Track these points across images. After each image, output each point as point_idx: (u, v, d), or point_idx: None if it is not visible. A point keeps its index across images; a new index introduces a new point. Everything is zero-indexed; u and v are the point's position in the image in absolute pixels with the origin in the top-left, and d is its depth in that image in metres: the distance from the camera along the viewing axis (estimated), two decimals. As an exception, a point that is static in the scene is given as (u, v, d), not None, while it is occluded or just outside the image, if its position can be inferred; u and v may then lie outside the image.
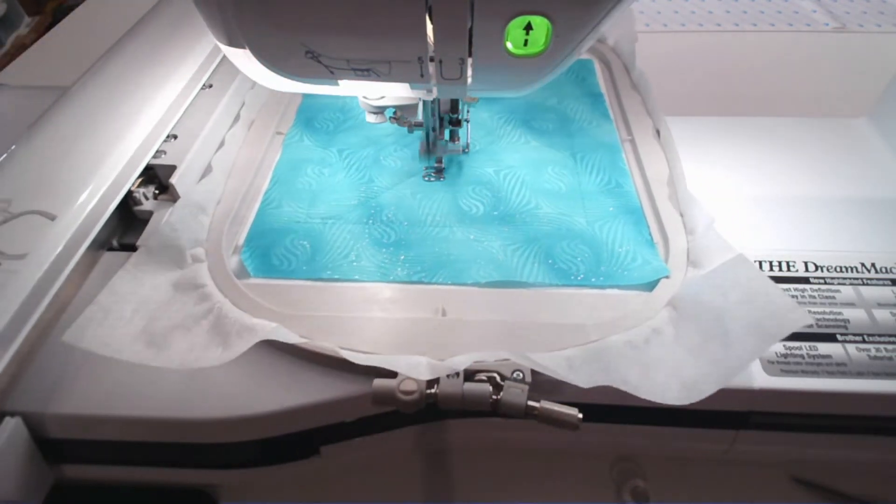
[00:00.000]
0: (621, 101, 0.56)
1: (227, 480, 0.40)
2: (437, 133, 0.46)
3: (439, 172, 0.49)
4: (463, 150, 0.49)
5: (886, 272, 0.41)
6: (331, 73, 0.32)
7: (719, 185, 0.48)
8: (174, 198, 0.45)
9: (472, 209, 0.46)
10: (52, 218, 0.38)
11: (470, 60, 0.31)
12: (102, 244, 0.44)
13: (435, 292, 0.40)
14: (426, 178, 0.49)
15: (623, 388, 0.33)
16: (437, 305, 0.39)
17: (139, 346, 0.36)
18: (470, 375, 0.34)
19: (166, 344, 0.36)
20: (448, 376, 0.33)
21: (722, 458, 0.40)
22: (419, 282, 0.41)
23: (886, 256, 0.42)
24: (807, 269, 0.41)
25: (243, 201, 0.47)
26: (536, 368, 0.33)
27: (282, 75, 0.32)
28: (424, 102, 0.43)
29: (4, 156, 0.42)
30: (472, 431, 0.40)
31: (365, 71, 0.31)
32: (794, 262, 0.41)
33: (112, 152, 0.42)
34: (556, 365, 0.33)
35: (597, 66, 0.62)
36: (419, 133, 0.48)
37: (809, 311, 0.38)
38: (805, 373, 0.35)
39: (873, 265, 0.41)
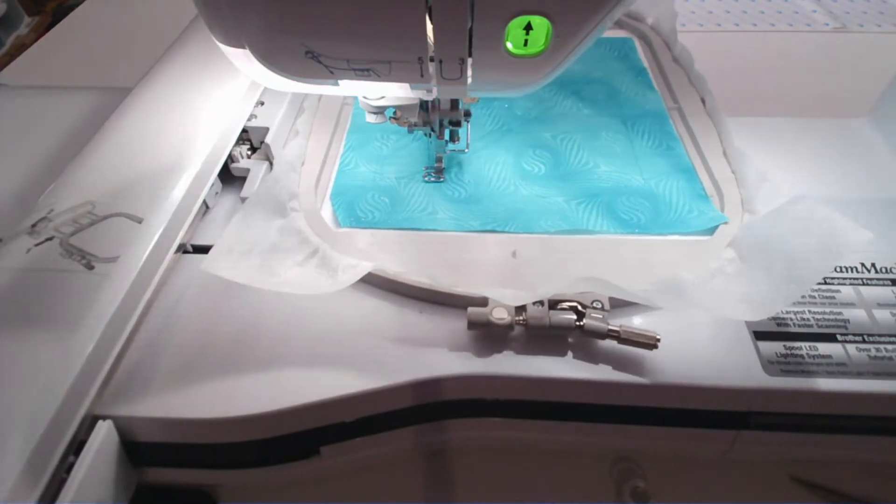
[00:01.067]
0: (665, 74, 0.59)
1: (227, 480, 0.40)
2: (438, 133, 0.46)
3: (439, 172, 0.49)
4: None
5: (886, 272, 0.41)
6: (331, 73, 0.32)
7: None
8: (266, 156, 0.50)
9: (534, 169, 0.49)
10: (139, 221, 0.39)
11: (470, 60, 0.31)
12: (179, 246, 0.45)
13: (508, 239, 0.43)
14: (426, 179, 0.49)
15: (700, 308, 0.35)
16: (511, 249, 0.42)
17: (264, 276, 0.39)
18: (553, 305, 0.37)
19: (283, 276, 0.39)
20: (534, 304, 0.36)
21: (722, 458, 0.40)
22: (493, 230, 0.44)
23: (886, 256, 0.42)
24: (807, 269, 0.41)
25: (324, 163, 0.50)
26: (616, 294, 0.36)
27: (281, 75, 0.32)
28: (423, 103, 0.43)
29: (79, 157, 0.44)
30: (472, 431, 0.40)
31: (365, 71, 0.31)
32: (795, 262, 0.41)
33: (215, 117, 0.46)
34: (631, 294, 0.35)
35: (637, 44, 0.64)
36: (478, 106, 0.52)
37: (809, 311, 0.39)
38: (805, 373, 0.35)
39: (873, 265, 0.41)
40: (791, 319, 0.38)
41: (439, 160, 0.49)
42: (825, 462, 0.40)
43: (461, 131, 0.47)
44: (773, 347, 0.37)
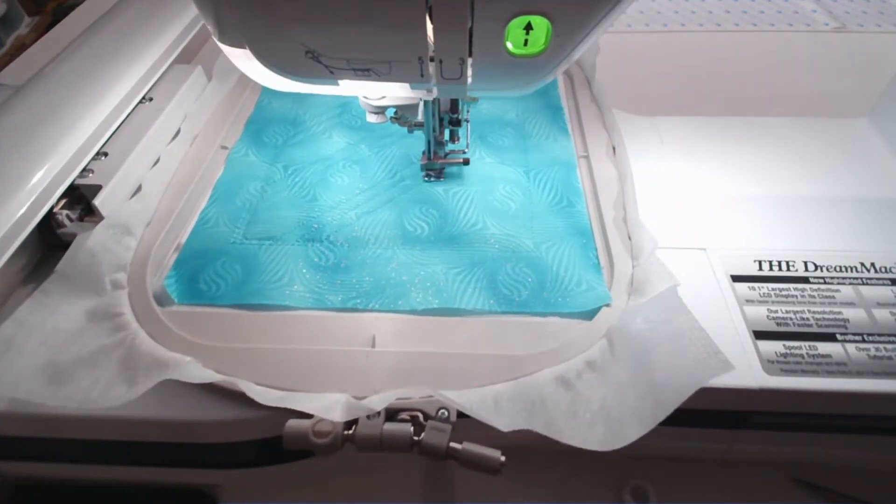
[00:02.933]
0: (580, 114, 0.55)
1: (227, 480, 0.40)
2: (438, 133, 0.46)
3: (439, 173, 0.49)
4: (464, 162, 0.48)
5: (886, 272, 0.41)
6: (331, 73, 0.32)
7: (719, 185, 0.48)
8: (100, 219, 0.42)
9: (416, 230, 0.45)
10: None
11: (470, 60, 0.31)
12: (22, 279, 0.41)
13: (368, 320, 0.38)
14: (426, 179, 0.49)
15: (544, 432, 0.32)
16: (368, 335, 0.38)
17: (39, 382, 0.33)
18: (393, 414, 0.32)
19: (69, 379, 0.34)
20: (369, 416, 0.32)
21: (722, 458, 0.40)
22: (353, 308, 0.39)
23: (886, 256, 0.42)
24: (806, 269, 0.41)
25: (176, 221, 0.44)
26: (458, 408, 0.32)
27: (282, 75, 0.32)
28: (425, 108, 0.43)
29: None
30: (472, 431, 0.40)
31: (365, 71, 0.31)
32: (794, 261, 0.41)
33: (32, 174, 0.39)
34: (480, 404, 0.32)
35: (560, 78, 0.60)
36: (374, 149, 0.48)
37: (809, 311, 0.39)
38: (805, 372, 0.35)
39: (873, 265, 0.41)
40: (791, 319, 0.38)
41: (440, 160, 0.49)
42: (825, 462, 0.40)
43: (461, 131, 0.47)
44: (773, 347, 0.37)
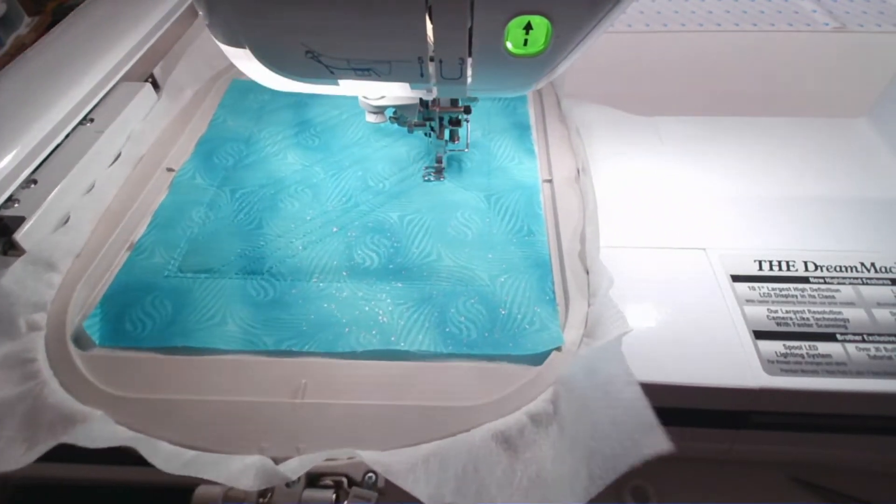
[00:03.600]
0: (547, 135, 0.53)
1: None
2: (438, 133, 0.46)
3: (439, 172, 0.49)
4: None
5: (886, 272, 0.41)
6: (331, 73, 0.32)
7: (719, 185, 0.48)
8: (21, 254, 0.40)
9: (365, 261, 0.42)
10: None
11: (470, 60, 0.31)
12: None
13: (300, 366, 0.36)
14: (426, 178, 0.49)
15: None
16: (298, 382, 0.35)
17: None
18: (315, 479, 0.31)
19: None
20: (288, 484, 0.30)
21: (722, 458, 0.40)
22: (287, 350, 0.37)
23: (886, 256, 0.42)
24: (807, 269, 0.41)
25: (108, 252, 0.42)
26: (384, 474, 0.30)
27: (282, 75, 0.32)
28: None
29: None
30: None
31: (365, 71, 0.31)
32: (794, 261, 0.41)
33: None
34: (409, 469, 0.30)
35: (529, 95, 0.58)
36: (329, 171, 0.46)
37: (809, 311, 0.39)
38: (805, 372, 0.35)
39: (873, 265, 0.41)
40: (791, 319, 0.38)
41: (439, 160, 0.49)
42: (825, 462, 0.40)
43: (461, 131, 0.47)
44: (773, 347, 0.37)
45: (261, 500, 0.30)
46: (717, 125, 0.54)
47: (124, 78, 0.52)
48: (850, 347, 0.36)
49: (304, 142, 0.53)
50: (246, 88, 0.59)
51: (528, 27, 0.29)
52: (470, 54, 0.30)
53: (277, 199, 0.47)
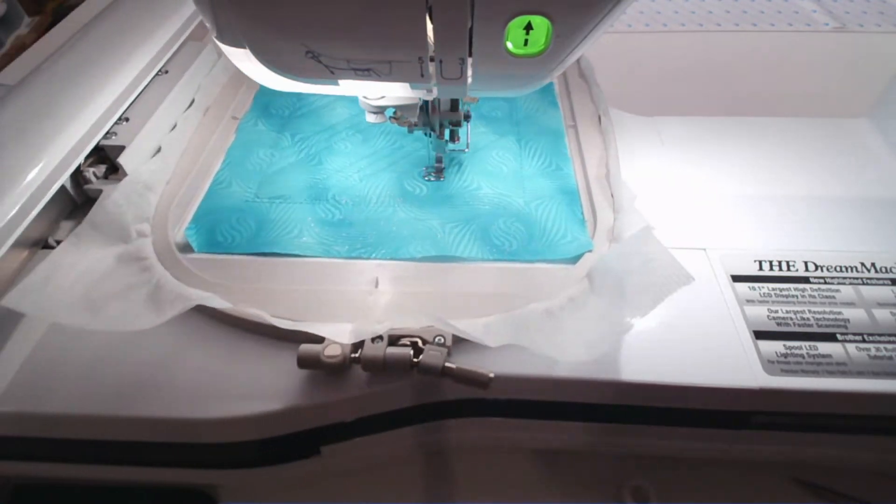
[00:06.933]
0: (569, 89, 0.59)
1: (227, 480, 0.40)
2: (438, 133, 0.46)
3: (439, 172, 0.49)
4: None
5: (886, 272, 0.41)
6: (331, 73, 0.32)
7: (719, 185, 0.48)
8: (124, 177, 0.46)
9: (415, 190, 0.48)
10: None
11: (470, 60, 0.31)
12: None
13: (371, 267, 0.42)
14: (426, 178, 0.49)
15: (528, 346, 0.35)
16: (371, 278, 0.41)
17: (76, 310, 0.36)
18: (394, 340, 0.36)
19: (103, 309, 0.36)
20: (373, 340, 0.35)
21: (722, 458, 0.40)
22: (359, 257, 0.42)
23: (886, 256, 0.42)
24: (807, 269, 0.41)
25: (193, 181, 0.48)
26: (451, 331, 0.35)
27: (282, 75, 0.32)
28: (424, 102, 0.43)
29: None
30: (472, 431, 0.40)
31: (365, 71, 0.31)
32: (794, 261, 0.41)
33: (61, 135, 0.43)
34: (472, 329, 0.35)
35: None
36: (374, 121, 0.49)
37: (809, 311, 0.39)
38: (805, 372, 0.35)
39: (873, 265, 0.41)
40: (791, 319, 0.38)
41: (439, 160, 0.49)
42: (825, 462, 0.40)
43: (461, 131, 0.47)
44: (773, 347, 0.37)
45: (353, 354, 0.35)
46: (717, 125, 0.54)
47: (189, 38, 0.59)
48: (851, 347, 0.37)
49: (349, 96, 0.57)
50: None
51: (528, 27, 0.29)
52: (470, 54, 0.30)
53: (332, 142, 0.53)
